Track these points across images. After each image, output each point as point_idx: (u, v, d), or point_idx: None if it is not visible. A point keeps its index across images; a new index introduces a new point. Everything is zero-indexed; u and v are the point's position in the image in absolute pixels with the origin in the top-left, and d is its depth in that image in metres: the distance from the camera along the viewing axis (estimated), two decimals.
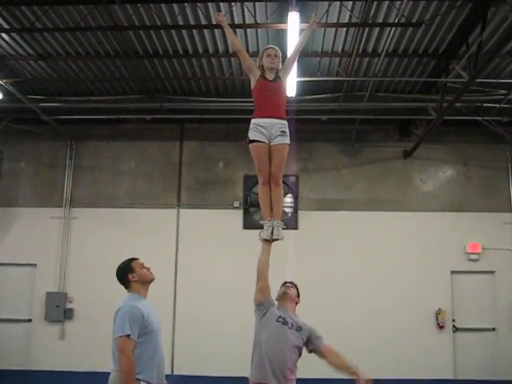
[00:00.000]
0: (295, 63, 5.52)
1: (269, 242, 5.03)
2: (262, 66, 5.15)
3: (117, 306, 4.47)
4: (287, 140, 5.02)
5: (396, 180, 11.69)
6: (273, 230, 5.02)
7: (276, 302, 5.17)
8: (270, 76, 5.11)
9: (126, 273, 4.65)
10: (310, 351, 5.11)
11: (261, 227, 5.07)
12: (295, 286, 5.37)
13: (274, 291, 5.19)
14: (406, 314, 10.96)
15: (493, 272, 11.26)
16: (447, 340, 11.01)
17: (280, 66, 5.21)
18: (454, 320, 11.10)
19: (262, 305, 5.02)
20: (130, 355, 4.22)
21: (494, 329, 11.08)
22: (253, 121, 5.03)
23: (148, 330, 4.40)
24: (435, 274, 11.17)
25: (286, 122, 5.05)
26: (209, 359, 10.79)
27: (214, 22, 8.14)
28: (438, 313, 11.01)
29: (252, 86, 5.19)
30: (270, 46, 5.43)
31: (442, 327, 10.98)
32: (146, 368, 4.33)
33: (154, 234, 11.45)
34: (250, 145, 5.01)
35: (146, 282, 4.70)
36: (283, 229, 5.08)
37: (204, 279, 11.17)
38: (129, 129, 11.97)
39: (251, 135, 5.00)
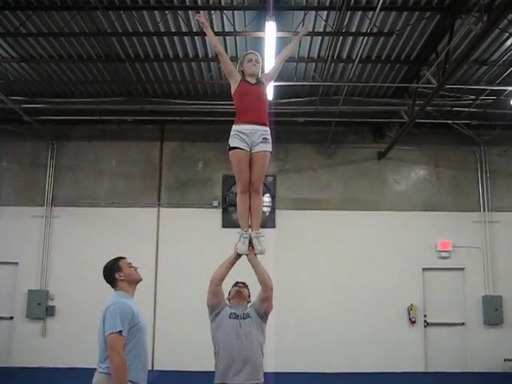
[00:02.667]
0: (278, 71, 5.37)
1: (241, 255, 4.96)
2: (243, 71, 5.01)
3: (104, 305, 4.38)
4: (269, 147, 4.87)
5: (370, 180, 12.03)
6: (250, 241, 4.92)
7: (227, 302, 5.15)
8: (252, 80, 4.98)
9: (113, 272, 4.56)
10: (265, 310, 5.00)
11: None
12: (246, 286, 5.29)
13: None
14: (379, 309, 11.29)
15: (462, 269, 11.65)
16: (419, 334, 11.37)
17: (260, 73, 5.08)
18: (425, 315, 11.47)
19: (215, 307, 5.01)
20: (121, 352, 4.13)
21: (463, 323, 11.47)
22: (234, 127, 4.85)
23: (137, 328, 4.32)
24: (407, 271, 11.53)
25: (268, 129, 4.90)
26: (189, 354, 11.00)
27: (194, 30, 8.42)
28: (410, 308, 11.35)
29: (233, 91, 5.01)
30: (250, 51, 5.31)
31: (413, 322, 11.34)
32: (132, 367, 4.22)
33: (134, 233, 11.63)
34: (230, 152, 4.84)
35: (133, 281, 4.61)
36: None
37: (183, 276, 11.36)
38: (110, 129, 12.11)
39: (232, 142, 4.82)
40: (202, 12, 8.01)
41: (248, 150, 4.80)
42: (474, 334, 11.39)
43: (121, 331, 4.17)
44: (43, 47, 9.23)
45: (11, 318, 11.59)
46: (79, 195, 11.99)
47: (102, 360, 4.29)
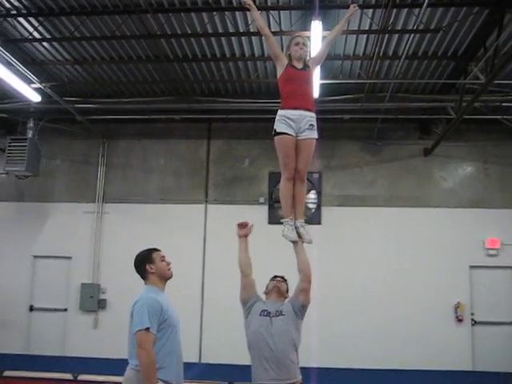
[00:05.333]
0: (326, 54, 5.24)
1: (295, 242, 4.83)
2: (290, 55, 4.90)
3: (134, 299, 4.30)
4: (315, 134, 4.77)
5: (416, 177, 11.92)
6: (296, 229, 4.82)
7: (263, 297, 5.01)
8: (299, 65, 4.85)
9: (144, 263, 4.43)
10: (302, 303, 4.82)
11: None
12: (285, 280, 5.14)
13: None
14: (425, 307, 11.20)
15: (511, 267, 11.43)
16: (466, 333, 11.23)
17: (308, 56, 4.99)
18: (472, 313, 11.31)
19: (247, 302, 4.88)
20: (150, 350, 4.01)
21: (511, 322, 11.29)
22: (280, 112, 4.74)
23: (167, 323, 4.19)
24: (454, 269, 11.38)
25: (314, 115, 4.78)
26: (235, 349, 11.18)
27: (241, 30, 8.57)
28: (457, 306, 11.22)
29: (278, 75, 4.91)
30: (297, 34, 5.24)
31: (460, 320, 11.20)
32: (165, 365, 4.11)
33: (182, 229, 11.85)
34: (276, 137, 4.73)
35: (164, 277, 4.45)
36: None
37: (231, 272, 11.48)
38: (158, 128, 12.39)
39: (278, 127, 4.71)
40: (248, 13, 8.19)
41: (294, 135, 4.69)
42: None
43: (148, 328, 4.05)
44: (95, 50, 9.56)
45: (65, 309, 12.04)
46: (129, 192, 12.32)
47: (132, 356, 4.21)
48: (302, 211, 4.94)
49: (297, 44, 4.89)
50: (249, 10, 5.01)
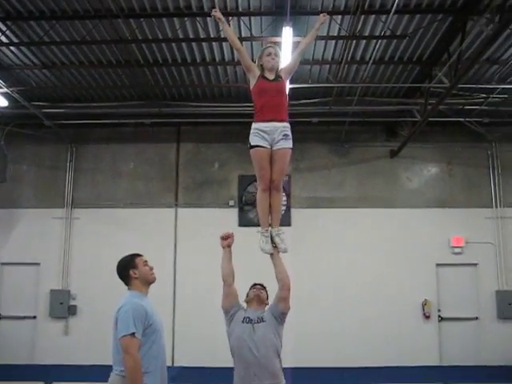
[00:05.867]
0: (298, 64, 5.23)
1: (272, 254, 4.87)
2: (262, 65, 4.92)
3: (117, 305, 4.21)
4: (290, 144, 4.81)
5: (383, 178, 12.21)
6: (272, 239, 4.88)
7: (245, 305, 5.01)
8: (271, 76, 4.87)
9: (128, 268, 4.38)
10: (282, 310, 4.86)
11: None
12: (265, 288, 5.15)
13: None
14: (394, 305, 11.48)
15: (475, 264, 11.81)
16: (433, 329, 11.56)
17: (280, 66, 4.99)
18: (439, 310, 11.65)
19: (229, 311, 4.89)
20: (135, 355, 3.95)
21: (477, 318, 11.63)
22: (253, 125, 4.79)
23: (152, 329, 4.16)
24: (421, 267, 11.70)
25: (288, 125, 4.82)
26: (206, 352, 11.22)
27: (212, 35, 8.65)
28: (424, 303, 11.53)
29: (251, 87, 4.94)
30: (269, 44, 5.25)
31: (427, 317, 11.53)
32: (150, 370, 4.07)
33: (153, 233, 11.88)
34: (251, 150, 4.79)
35: (147, 281, 4.42)
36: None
37: (201, 275, 11.49)
38: (127, 132, 12.37)
39: (252, 141, 4.77)
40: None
41: (269, 147, 4.75)
42: (487, 329, 11.56)
43: (134, 333, 3.99)
44: (65, 54, 9.50)
45: (34, 317, 11.91)
46: (98, 197, 12.27)
47: (116, 362, 4.14)
48: (278, 219, 4.97)
49: (268, 55, 4.91)
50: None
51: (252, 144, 4.79)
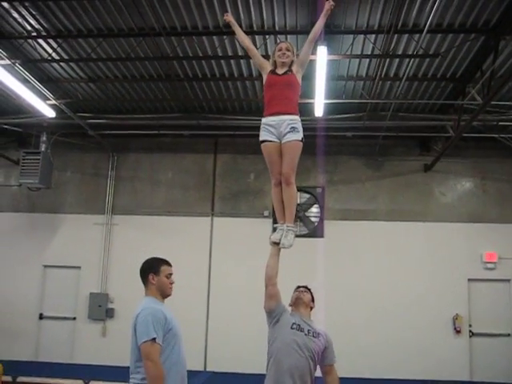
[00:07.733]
0: (309, 55, 5.16)
1: (277, 244, 4.74)
2: (275, 61, 4.95)
3: (135, 312, 4.13)
4: (299, 136, 4.71)
5: (417, 192, 12.27)
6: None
7: (289, 308, 4.88)
8: (281, 70, 4.89)
9: (149, 271, 4.32)
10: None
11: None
12: (309, 290, 5.03)
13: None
14: (425, 318, 11.51)
15: (508, 280, 11.76)
16: (464, 344, 11.53)
17: (293, 61, 4.95)
18: (470, 325, 11.62)
19: (273, 312, 4.71)
20: (157, 361, 3.84)
21: (509, 334, 11.55)
22: (262, 120, 4.81)
23: (171, 334, 4.06)
24: (453, 282, 11.69)
25: (296, 117, 4.76)
26: (240, 358, 11.39)
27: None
28: (456, 318, 11.51)
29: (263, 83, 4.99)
30: (281, 40, 5.46)
31: (458, 332, 11.50)
32: (170, 377, 3.93)
33: (188, 240, 12.19)
34: (261, 145, 4.81)
35: (163, 292, 4.30)
36: (296, 234, 4.81)
37: (235, 283, 11.84)
38: (166, 142, 12.77)
39: (261, 136, 4.79)
40: (256, 36, 8.61)
41: (277, 141, 4.71)
42: None
43: (155, 338, 3.88)
44: (110, 69, 9.98)
45: (74, 318, 12.35)
46: (137, 204, 12.67)
47: (135, 371, 4.01)
48: (290, 215, 4.79)
49: (280, 50, 4.94)
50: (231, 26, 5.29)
51: (260, 139, 4.82)
